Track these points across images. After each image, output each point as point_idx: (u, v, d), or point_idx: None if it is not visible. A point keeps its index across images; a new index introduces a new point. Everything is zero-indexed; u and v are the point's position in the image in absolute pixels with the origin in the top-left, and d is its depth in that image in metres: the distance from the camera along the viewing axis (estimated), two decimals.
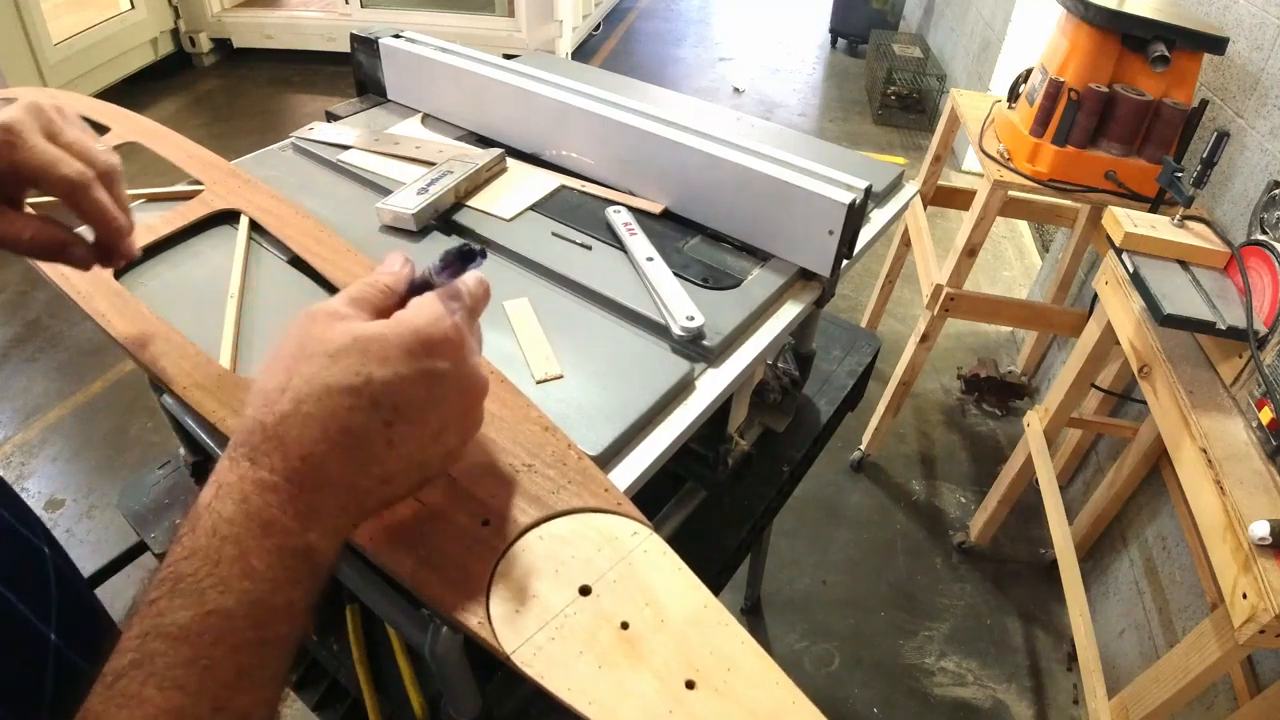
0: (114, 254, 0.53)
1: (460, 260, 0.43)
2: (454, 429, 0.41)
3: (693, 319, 0.70)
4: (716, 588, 0.94)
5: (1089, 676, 1.35)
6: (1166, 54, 1.45)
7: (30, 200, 0.51)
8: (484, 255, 0.43)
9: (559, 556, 0.47)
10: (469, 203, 0.87)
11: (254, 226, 0.79)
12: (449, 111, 1.03)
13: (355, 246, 0.75)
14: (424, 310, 0.40)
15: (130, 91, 3.84)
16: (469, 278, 0.44)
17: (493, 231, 0.83)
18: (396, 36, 1.05)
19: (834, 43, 5.40)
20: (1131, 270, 1.23)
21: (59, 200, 0.48)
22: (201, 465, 0.95)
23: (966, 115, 1.91)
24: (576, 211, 0.88)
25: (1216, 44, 1.46)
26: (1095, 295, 1.45)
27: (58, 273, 0.69)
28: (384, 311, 0.41)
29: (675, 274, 0.77)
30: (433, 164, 0.91)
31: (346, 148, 0.95)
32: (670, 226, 0.87)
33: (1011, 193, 1.66)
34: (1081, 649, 1.41)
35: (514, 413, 0.56)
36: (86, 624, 0.33)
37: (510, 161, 0.96)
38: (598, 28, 5.11)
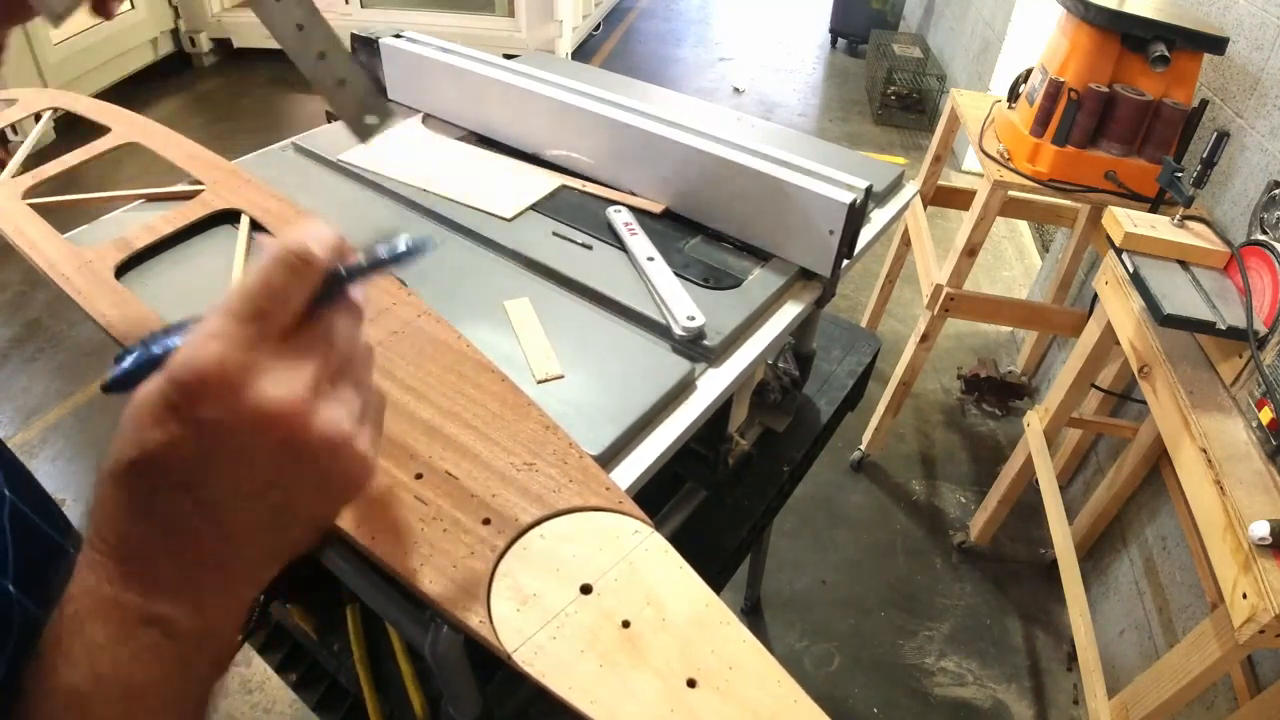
0: None
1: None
2: (293, 480, 0.33)
3: (693, 319, 0.70)
4: (716, 587, 0.94)
5: (1089, 676, 1.35)
6: (1166, 54, 1.45)
7: None
8: None
9: (560, 555, 0.47)
10: (468, 203, 0.87)
11: (255, 226, 0.79)
12: (449, 111, 1.03)
13: (356, 246, 0.75)
14: (186, 346, 0.31)
15: (130, 91, 3.84)
16: (267, 258, 0.33)
17: (493, 231, 0.83)
18: (397, 36, 1.05)
19: (834, 43, 5.40)
20: (1131, 270, 1.23)
21: None
22: None
23: (966, 115, 1.91)
24: (577, 211, 0.88)
25: (1216, 44, 1.47)
26: (1095, 295, 1.45)
27: (58, 272, 0.69)
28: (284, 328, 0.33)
29: (676, 274, 0.77)
30: None
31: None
32: (671, 226, 0.87)
33: (1011, 193, 1.66)
34: (1081, 649, 1.41)
35: (515, 412, 0.56)
36: None
37: (511, 161, 0.96)
38: (598, 28, 5.11)
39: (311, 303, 0.34)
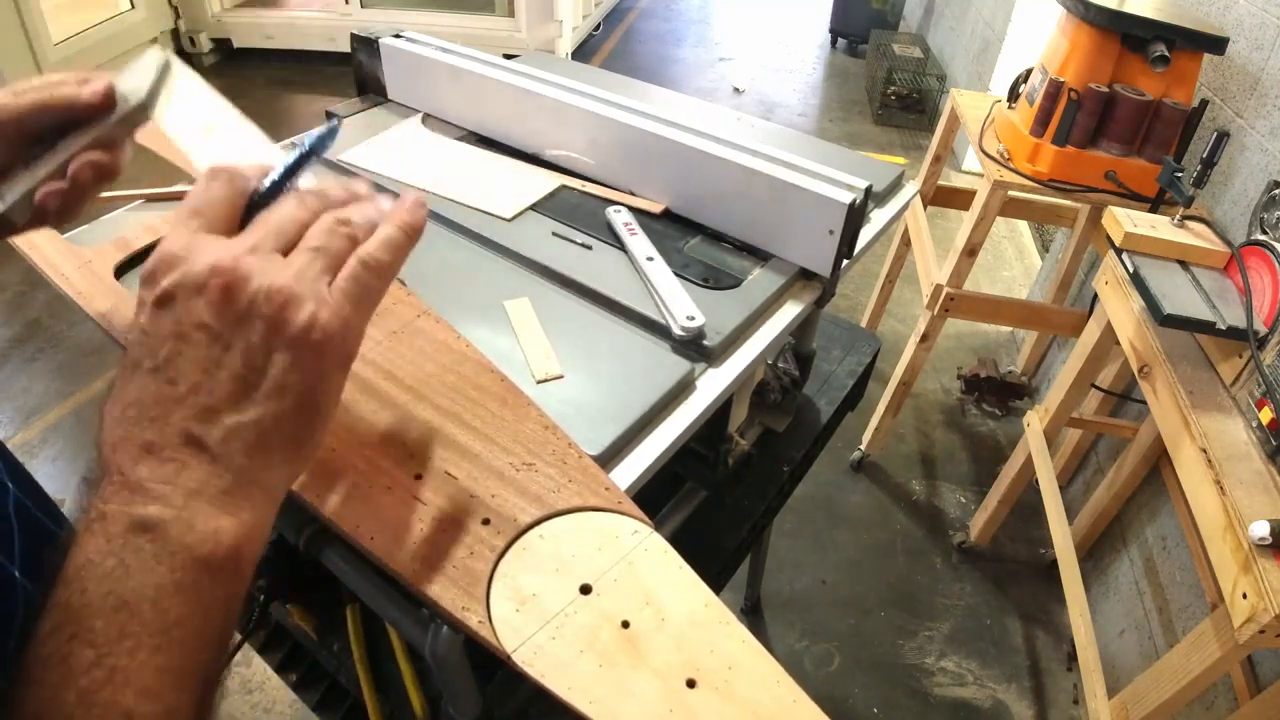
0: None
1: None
2: (245, 336, 0.34)
3: (693, 319, 0.70)
4: (716, 588, 0.94)
5: (1089, 676, 1.35)
6: (1166, 54, 1.45)
7: None
8: None
9: (560, 555, 0.47)
10: (468, 203, 0.87)
11: None
12: (449, 111, 1.03)
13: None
14: None
15: None
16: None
17: (493, 231, 0.83)
18: (397, 36, 1.05)
19: (834, 43, 5.40)
20: (1131, 270, 1.23)
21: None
22: None
23: (966, 115, 1.91)
24: (577, 211, 0.88)
25: (1216, 44, 1.47)
26: (1095, 295, 1.45)
27: (58, 272, 0.69)
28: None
29: (676, 274, 0.77)
30: None
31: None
32: (671, 226, 0.87)
33: (1011, 193, 1.66)
34: (1081, 649, 1.41)
35: (515, 412, 0.56)
36: None
37: (511, 161, 0.96)
38: (598, 28, 5.11)
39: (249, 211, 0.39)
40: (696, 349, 0.71)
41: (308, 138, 0.43)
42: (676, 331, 0.70)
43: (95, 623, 0.30)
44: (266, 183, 0.40)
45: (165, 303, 0.34)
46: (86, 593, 0.31)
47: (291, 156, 0.42)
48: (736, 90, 4.55)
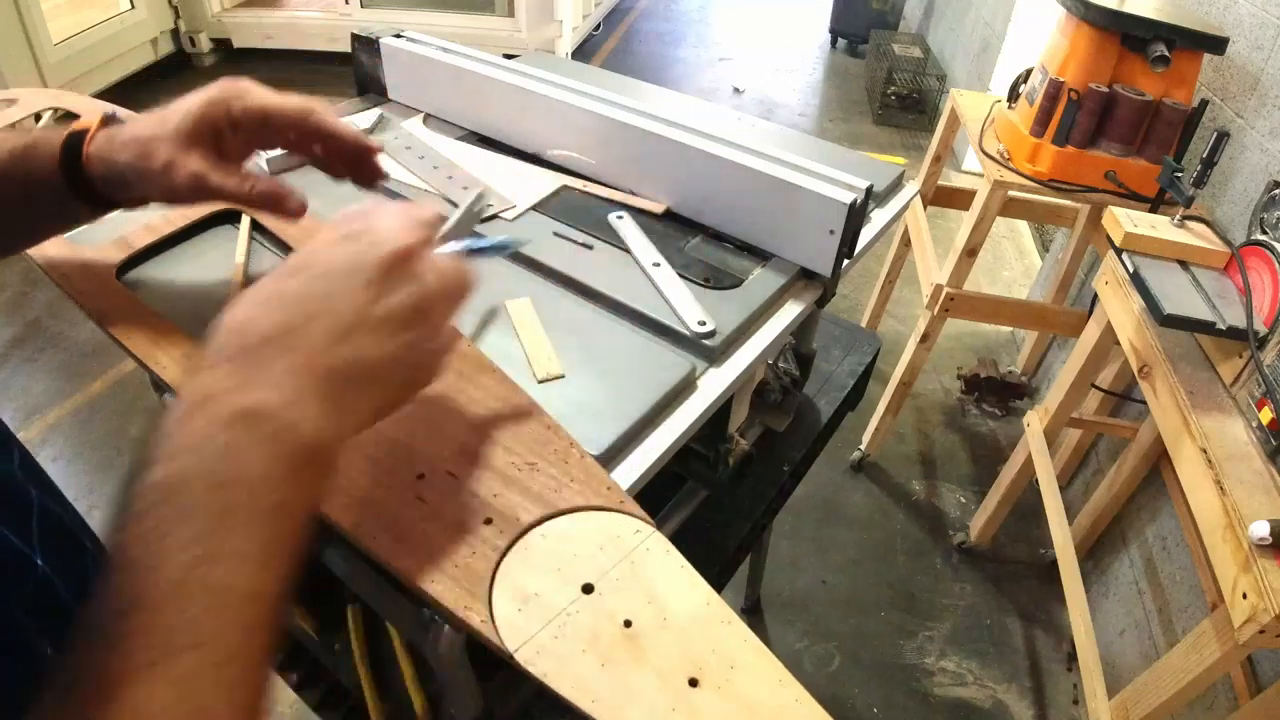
0: (369, 167, 0.61)
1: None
2: (396, 301, 0.40)
3: (704, 324, 0.70)
4: (717, 588, 0.94)
5: (1089, 676, 1.35)
6: (1166, 54, 1.45)
7: None
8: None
9: (561, 555, 0.47)
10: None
11: (255, 227, 0.79)
12: (450, 111, 1.03)
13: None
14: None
15: (130, 91, 3.84)
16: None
17: (495, 231, 0.83)
18: (397, 36, 1.05)
19: (834, 43, 5.40)
20: (1131, 270, 1.23)
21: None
22: None
23: (966, 115, 1.92)
24: (578, 211, 0.88)
25: (1216, 44, 1.47)
26: (1095, 295, 1.45)
27: (58, 272, 0.69)
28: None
29: (678, 274, 0.77)
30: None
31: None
32: (672, 226, 0.87)
33: (1011, 193, 1.67)
34: (1081, 649, 1.42)
35: (516, 411, 0.56)
36: None
37: (511, 161, 0.96)
38: (598, 28, 5.11)
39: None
40: (698, 349, 0.71)
41: (492, 240, 0.53)
42: (690, 334, 0.70)
43: (198, 500, 0.32)
44: (450, 246, 0.50)
45: (353, 238, 0.41)
46: (186, 471, 0.33)
47: (481, 243, 0.52)
48: (736, 90, 4.55)
